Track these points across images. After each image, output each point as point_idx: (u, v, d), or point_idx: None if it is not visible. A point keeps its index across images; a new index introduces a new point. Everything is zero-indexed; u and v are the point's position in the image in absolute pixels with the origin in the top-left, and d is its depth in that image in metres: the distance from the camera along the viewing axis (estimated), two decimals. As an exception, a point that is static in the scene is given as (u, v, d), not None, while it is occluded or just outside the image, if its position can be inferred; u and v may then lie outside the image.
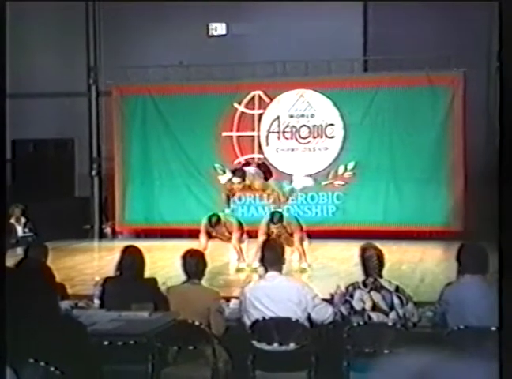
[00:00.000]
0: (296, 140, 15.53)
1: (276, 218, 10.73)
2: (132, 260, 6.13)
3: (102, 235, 16.51)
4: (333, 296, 6.09)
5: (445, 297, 5.77)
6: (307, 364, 5.64)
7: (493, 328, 4.83)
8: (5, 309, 3.26)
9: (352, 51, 15.49)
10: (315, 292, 5.98)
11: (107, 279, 6.23)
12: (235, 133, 15.65)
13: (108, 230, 16.45)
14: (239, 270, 10.78)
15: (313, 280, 9.44)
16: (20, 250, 9.82)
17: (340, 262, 11.53)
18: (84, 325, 3.98)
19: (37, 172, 17.34)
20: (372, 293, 5.72)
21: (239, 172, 11.24)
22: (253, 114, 15.59)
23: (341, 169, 15.23)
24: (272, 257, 5.99)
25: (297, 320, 5.67)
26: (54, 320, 3.63)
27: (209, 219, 10.92)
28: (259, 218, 11.97)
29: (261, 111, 15.57)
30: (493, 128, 13.73)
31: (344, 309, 5.79)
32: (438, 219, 14.72)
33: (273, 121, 15.60)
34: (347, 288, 5.87)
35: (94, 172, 17.04)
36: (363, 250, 5.91)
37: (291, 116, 15.53)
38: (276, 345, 5.69)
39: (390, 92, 14.92)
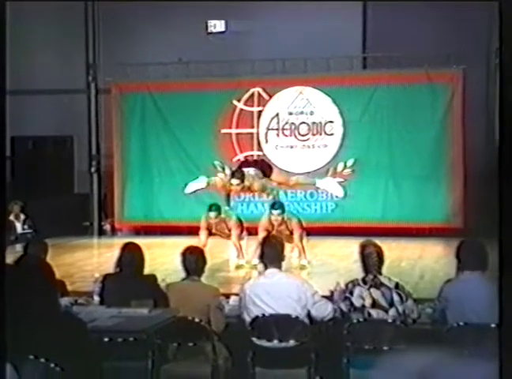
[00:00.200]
0: (295, 137, 15.50)
1: (277, 205, 10.69)
2: (131, 257, 6.13)
3: (101, 232, 16.49)
4: (332, 293, 6.08)
5: (444, 293, 5.78)
6: (307, 361, 5.64)
7: (493, 325, 4.84)
8: (5, 306, 3.26)
9: (351, 48, 15.46)
10: (315, 289, 5.99)
11: (106, 276, 6.24)
12: (234, 130, 15.62)
13: (108, 227, 16.45)
14: (238, 267, 10.77)
15: (312, 277, 9.42)
16: (19, 247, 9.77)
17: (339, 259, 11.54)
18: (84, 322, 3.99)
19: (36, 169, 17.36)
20: (372, 290, 5.73)
21: (238, 173, 11.05)
22: (252, 111, 15.57)
23: (340, 166, 15.20)
24: (271, 254, 5.99)
25: (297, 317, 5.68)
26: (54, 316, 3.64)
27: (209, 208, 10.88)
28: (258, 215, 11.97)
29: (260, 108, 15.54)
30: (492, 125, 13.74)
31: (343, 306, 5.80)
32: (437, 215, 14.71)
33: (272, 119, 15.57)
34: (346, 285, 5.88)
35: (93, 169, 17.03)
36: (363, 247, 5.92)
37: (291, 113, 15.50)
38: (275, 342, 5.69)
39: (389, 90, 14.88)
